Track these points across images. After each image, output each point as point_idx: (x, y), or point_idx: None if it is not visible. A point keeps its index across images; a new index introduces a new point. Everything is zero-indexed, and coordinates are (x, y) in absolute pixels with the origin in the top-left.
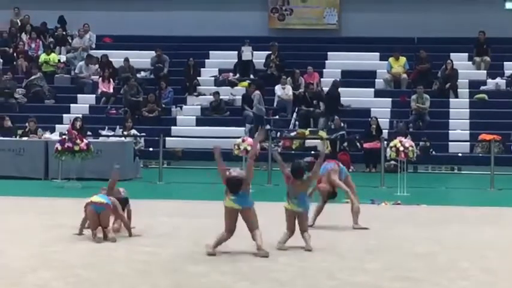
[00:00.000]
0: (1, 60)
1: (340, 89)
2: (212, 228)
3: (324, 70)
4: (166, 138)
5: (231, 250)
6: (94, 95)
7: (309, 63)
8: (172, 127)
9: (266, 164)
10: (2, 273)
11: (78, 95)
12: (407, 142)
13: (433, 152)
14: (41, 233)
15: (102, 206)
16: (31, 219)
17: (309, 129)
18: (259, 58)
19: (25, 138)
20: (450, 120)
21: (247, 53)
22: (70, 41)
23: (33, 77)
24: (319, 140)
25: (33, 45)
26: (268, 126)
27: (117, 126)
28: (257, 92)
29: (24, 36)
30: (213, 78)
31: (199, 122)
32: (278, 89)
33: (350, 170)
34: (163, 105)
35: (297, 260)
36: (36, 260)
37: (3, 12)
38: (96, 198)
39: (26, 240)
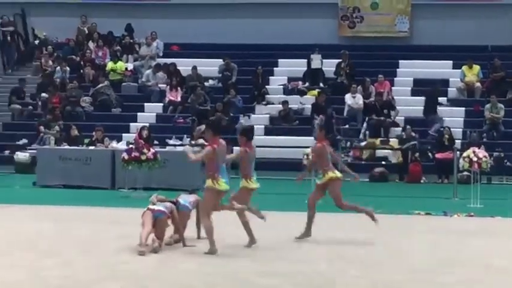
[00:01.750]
0: (68, 69)
1: (410, 98)
2: (282, 238)
3: (395, 79)
4: (234, 148)
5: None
6: (161, 104)
7: (379, 71)
8: None
9: None
10: (69, 283)
11: (145, 104)
12: (481, 152)
13: (508, 163)
14: (108, 243)
15: (160, 212)
16: (98, 229)
17: (379, 138)
18: (329, 66)
19: (92, 148)
20: None
21: (316, 61)
22: (137, 49)
23: (100, 86)
24: (389, 151)
25: (100, 54)
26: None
27: (185, 135)
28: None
29: (91, 45)
30: (281, 86)
31: (268, 131)
32: (348, 97)
33: (422, 181)
34: (232, 114)
35: (367, 272)
36: (104, 271)
37: (70, 21)
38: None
39: (93, 250)
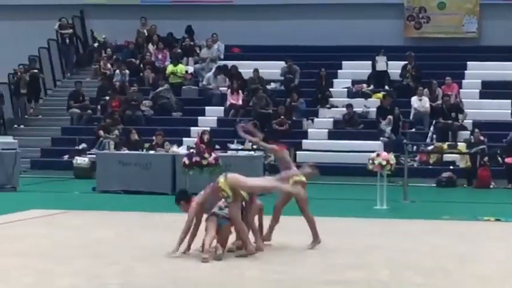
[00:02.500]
0: (127, 72)
1: (479, 101)
2: (344, 246)
3: (463, 81)
4: (297, 152)
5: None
6: (222, 107)
7: (447, 73)
8: (304, 140)
9: (402, 179)
10: None
11: (206, 107)
12: None
13: None
14: (168, 249)
15: (225, 219)
16: (158, 236)
17: (447, 143)
18: (394, 68)
19: (152, 152)
20: None
21: (381, 63)
22: (198, 51)
23: (160, 89)
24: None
25: (160, 56)
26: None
27: (246, 140)
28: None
29: (151, 47)
30: (345, 89)
31: (332, 136)
32: (414, 100)
33: (491, 186)
34: (294, 118)
35: (433, 280)
36: (164, 279)
37: (129, 23)
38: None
39: (153, 257)
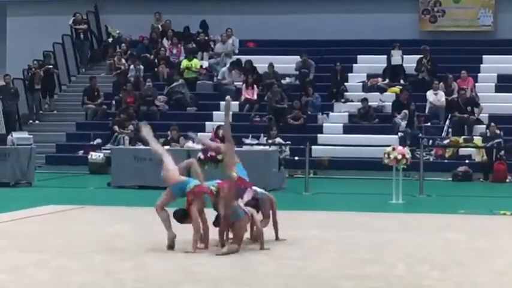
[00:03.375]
0: (142, 67)
1: (495, 95)
2: (361, 241)
3: (479, 74)
4: (313, 147)
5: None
6: (237, 102)
7: (462, 67)
8: (319, 135)
9: (418, 173)
10: (145, 286)
11: (221, 102)
12: None
13: None
14: (184, 245)
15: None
16: (174, 231)
17: (462, 137)
18: (409, 62)
19: (167, 147)
20: None
21: (397, 57)
22: (212, 46)
23: (174, 84)
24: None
25: (174, 51)
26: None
27: (261, 135)
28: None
29: (165, 42)
30: (361, 83)
31: (347, 130)
32: (430, 94)
33: (507, 180)
34: (309, 112)
35: (450, 275)
36: (180, 274)
37: (144, 18)
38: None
39: (169, 252)
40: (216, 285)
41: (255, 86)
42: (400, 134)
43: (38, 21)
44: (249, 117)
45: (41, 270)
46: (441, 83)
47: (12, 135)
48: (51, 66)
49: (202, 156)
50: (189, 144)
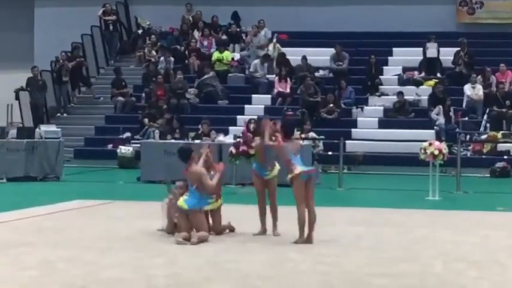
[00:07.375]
0: (172, 59)
1: None
2: (396, 238)
3: None
4: (347, 142)
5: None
6: (269, 95)
7: (501, 60)
8: (353, 129)
9: (455, 169)
10: (176, 283)
11: (253, 95)
12: None
13: None
14: (215, 241)
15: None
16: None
17: (501, 131)
18: (446, 55)
19: (198, 141)
20: None
21: (432, 49)
22: (244, 38)
23: (205, 77)
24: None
25: (205, 43)
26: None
27: (294, 128)
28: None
29: (196, 34)
30: (396, 77)
31: (382, 124)
32: (467, 88)
33: None
34: (343, 106)
35: (487, 273)
36: (211, 270)
37: (174, 9)
38: None
39: (200, 249)
40: (248, 283)
41: (287, 79)
42: (436, 128)
43: (66, 12)
44: (282, 110)
45: (71, 265)
46: (479, 77)
47: (40, 128)
48: (82, 59)
49: (234, 151)
50: (220, 138)
